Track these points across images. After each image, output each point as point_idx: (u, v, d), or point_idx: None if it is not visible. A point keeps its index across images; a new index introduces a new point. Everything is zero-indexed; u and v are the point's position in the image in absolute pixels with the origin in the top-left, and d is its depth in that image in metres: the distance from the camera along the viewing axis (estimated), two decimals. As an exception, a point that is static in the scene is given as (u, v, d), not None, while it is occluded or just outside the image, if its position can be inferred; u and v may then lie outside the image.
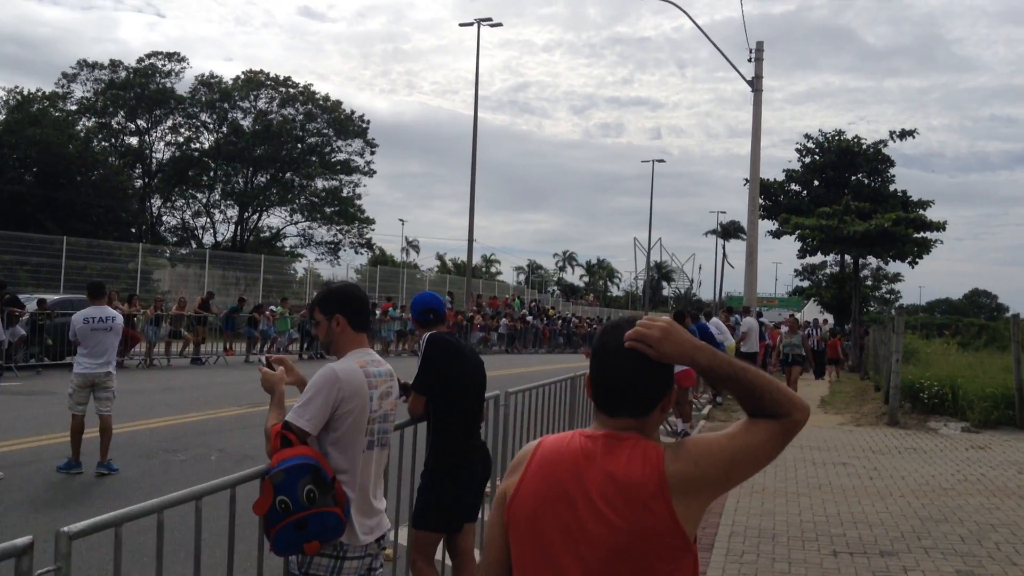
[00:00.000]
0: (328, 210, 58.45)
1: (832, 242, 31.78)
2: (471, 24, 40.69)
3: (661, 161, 74.64)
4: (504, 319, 37.36)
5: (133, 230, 48.31)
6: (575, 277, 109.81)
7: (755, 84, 20.51)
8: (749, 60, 20.90)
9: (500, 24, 40.94)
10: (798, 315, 40.08)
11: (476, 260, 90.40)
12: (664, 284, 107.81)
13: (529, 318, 39.89)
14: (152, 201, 56.94)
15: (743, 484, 9.49)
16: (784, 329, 18.79)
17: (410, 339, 29.96)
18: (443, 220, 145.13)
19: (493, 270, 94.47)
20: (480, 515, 4.98)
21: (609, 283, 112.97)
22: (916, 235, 31.09)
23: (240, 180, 58.16)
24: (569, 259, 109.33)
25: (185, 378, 17.62)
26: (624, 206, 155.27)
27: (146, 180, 55.64)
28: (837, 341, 29.11)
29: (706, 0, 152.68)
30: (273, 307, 24.29)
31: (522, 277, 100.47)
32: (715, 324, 18.48)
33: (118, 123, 54.24)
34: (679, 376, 10.69)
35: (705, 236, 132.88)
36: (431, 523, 4.57)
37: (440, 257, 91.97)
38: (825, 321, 31.61)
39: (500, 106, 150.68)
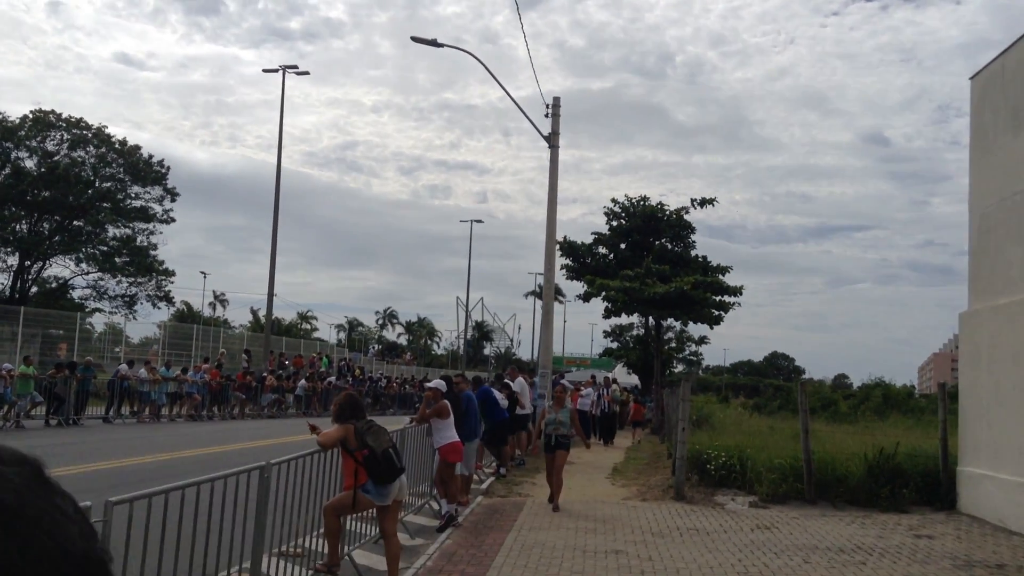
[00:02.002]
0: (118, 260, 54.12)
1: (635, 303, 31.83)
2: (276, 71, 38.98)
3: (479, 222, 74.13)
4: (303, 380, 35.00)
5: None
6: (396, 335, 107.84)
7: (551, 140, 19.80)
8: (546, 115, 20.23)
9: (307, 72, 39.60)
10: (609, 375, 39.95)
11: (291, 316, 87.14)
12: (485, 343, 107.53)
13: (331, 379, 37.68)
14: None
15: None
16: (547, 403, 14.51)
17: (185, 401, 27.26)
18: (265, 275, 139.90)
19: (310, 327, 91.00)
20: None
21: (430, 341, 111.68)
22: (715, 298, 31.55)
23: (23, 226, 53.11)
24: (390, 317, 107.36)
25: None
26: (451, 266, 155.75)
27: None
28: (641, 406, 28.89)
29: (528, 74, 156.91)
30: (9, 366, 21.18)
31: (342, 335, 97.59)
32: (519, 385, 17.39)
33: None
34: (444, 450, 9.21)
35: (525, 297, 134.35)
36: None
37: (254, 312, 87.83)
38: (614, 380, 31.11)
39: (328, 163, 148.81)
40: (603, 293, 33.45)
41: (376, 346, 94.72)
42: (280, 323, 75.18)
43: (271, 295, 40.39)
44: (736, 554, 9.58)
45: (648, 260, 31.84)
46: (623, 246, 38.78)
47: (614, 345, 48.98)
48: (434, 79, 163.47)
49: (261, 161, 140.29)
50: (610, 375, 33.56)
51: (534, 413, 18.77)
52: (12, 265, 53.42)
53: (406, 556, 8.82)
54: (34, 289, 54.13)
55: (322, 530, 7.44)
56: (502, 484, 14.31)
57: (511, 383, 17.33)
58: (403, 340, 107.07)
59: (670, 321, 38.68)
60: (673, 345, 49.27)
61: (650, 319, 36.22)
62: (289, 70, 38.38)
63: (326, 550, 7.40)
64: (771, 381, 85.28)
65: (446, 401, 10.76)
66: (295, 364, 39.99)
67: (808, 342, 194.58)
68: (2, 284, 53.54)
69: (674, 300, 30.45)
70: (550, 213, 19.93)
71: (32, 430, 20.47)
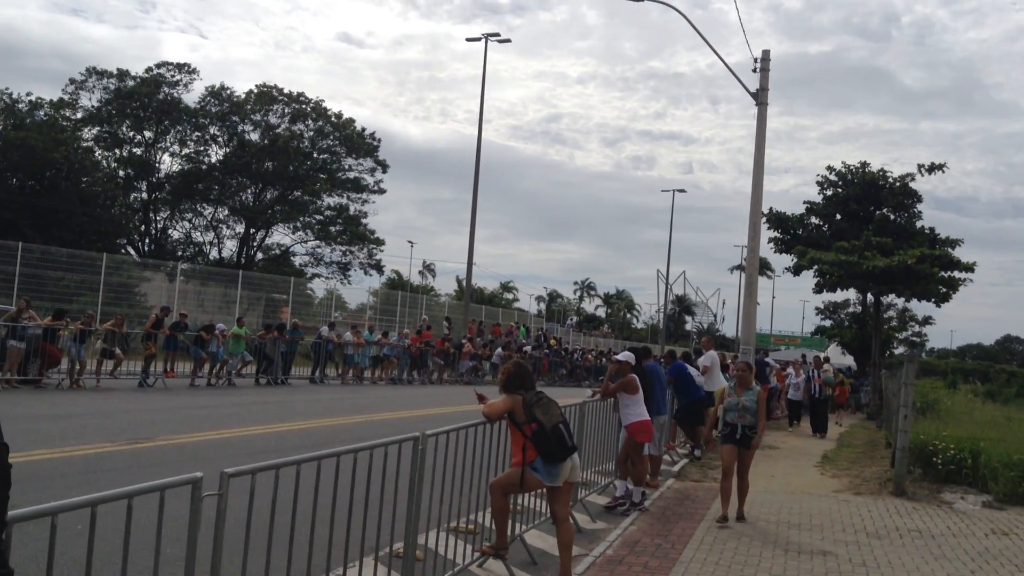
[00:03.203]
0: (333, 229, 56.73)
1: (851, 278, 29.54)
2: (479, 39, 39.08)
3: (682, 191, 71.88)
4: (500, 348, 35.12)
5: (120, 240, 46.86)
6: (593, 307, 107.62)
7: (759, 96, 18.28)
8: (754, 70, 18.68)
9: (508, 40, 39.30)
10: (821, 355, 37.23)
11: (494, 286, 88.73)
12: (687, 318, 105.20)
13: (527, 348, 37.59)
14: (160, 214, 55.57)
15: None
16: (729, 384, 10.38)
17: (386, 365, 27.86)
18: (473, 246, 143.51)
19: (511, 297, 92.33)
20: None
21: (629, 315, 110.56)
22: (943, 274, 28.69)
23: (249, 195, 56.68)
24: (588, 288, 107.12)
25: (88, 403, 15.56)
26: (653, 239, 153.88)
27: (151, 194, 54.21)
28: (845, 388, 26.54)
29: (739, 40, 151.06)
30: (222, 326, 22.24)
31: (542, 306, 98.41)
32: (710, 359, 16.02)
33: (123, 133, 52.87)
34: (632, 428, 8.39)
35: (731, 272, 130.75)
36: None
37: (458, 281, 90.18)
38: (826, 359, 28.20)
39: (533, 136, 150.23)
40: (815, 266, 31.32)
41: (574, 318, 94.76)
42: (482, 292, 76.55)
43: (470, 265, 40.93)
44: (968, 563, 8.19)
45: (868, 232, 29.34)
46: (838, 216, 36.28)
47: (827, 323, 46.19)
48: (641, 48, 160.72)
49: (470, 135, 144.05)
50: (822, 355, 30.79)
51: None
52: (239, 232, 57.24)
53: (585, 541, 8.11)
54: (259, 255, 57.78)
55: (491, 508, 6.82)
56: (696, 467, 13.29)
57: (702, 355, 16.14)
58: (601, 312, 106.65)
59: (891, 298, 35.86)
60: (893, 324, 45.83)
61: (868, 295, 33.74)
62: (491, 38, 38.43)
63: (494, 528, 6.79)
64: (1003, 367, 77.95)
65: (634, 375, 9.91)
66: (493, 333, 40.28)
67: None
68: (231, 250, 57.56)
69: (896, 275, 27.91)
70: (756, 175, 18.48)
71: (242, 388, 21.41)
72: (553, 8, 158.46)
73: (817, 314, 49.52)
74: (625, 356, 10.20)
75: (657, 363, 11.99)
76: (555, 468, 6.43)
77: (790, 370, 24.85)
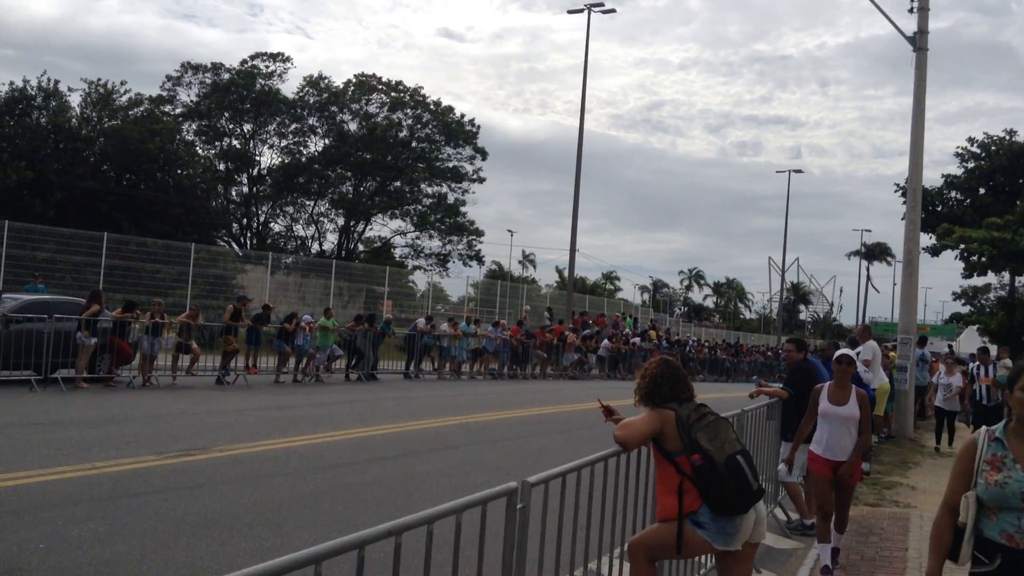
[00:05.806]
0: (432, 218, 55.29)
1: (1004, 258, 26.22)
2: (581, 11, 36.77)
3: (798, 171, 67.01)
4: (606, 340, 32.79)
5: (220, 233, 46.36)
6: (702, 297, 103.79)
7: (917, 41, 15.51)
8: (910, 11, 15.99)
9: (613, 11, 36.73)
10: (954, 344, 33.27)
11: (595, 277, 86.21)
12: (801, 307, 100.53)
13: (635, 340, 35.15)
14: (262, 208, 55.11)
15: None
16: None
17: (485, 358, 25.95)
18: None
19: (613, 287, 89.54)
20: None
21: (740, 304, 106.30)
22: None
23: (348, 187, 55.73)
24: (696, 277, 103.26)
25: (154, 404, 13.95)
26: (761, 226, 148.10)
27: (252, 188, 53.76)
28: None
29: (850, 20, 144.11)
30: (308, 318, 20.57)
31: (646, 296, 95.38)
32: (871, 350, 13.15)
33: (223, 126, 52.49)
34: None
35: (847, 258, 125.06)
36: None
37: (559, 271, 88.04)
38: (1007, 354, 21.35)
39: (633, 124, 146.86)
40: (961, 246, 28.09)
41: (682, 308, 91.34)
42: (584, 282, 74.21)
43: (572, 253, 38.77)
44: None
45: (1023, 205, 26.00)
46: (982, 191, 32.83)
47: (965, 309, 42.11)
48: (745, 31, 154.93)
49: (569, 126, 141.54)
50: (965, 348, 26.84)
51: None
52: (340, 225, 56.35)
53: (750, 605, 5.79)
54: (360, 248, 56.86)
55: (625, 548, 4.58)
56: (867, 486, 10.66)
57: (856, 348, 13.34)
58: (709, 303, 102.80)
59: (1047, 281, 32.18)
60: (1043, 311, 41.51)
61: (1020, 278, 30.25)
62: (594, 8, 36.09)
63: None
64: None
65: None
66: (597, 324, 37.97)
67: None
68: (332, 243, 56.77)
69: (1058, 253, 24.51)
70: (915, 133, 15.69)
71: (330, 385, 19.72)
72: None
73: (956, 299, 45.33)
74: (847, 350, 7.32)
75: (816, 360, 9.41)
76: (731, 523, 4.15)
77: (941, 367, 19.39)
